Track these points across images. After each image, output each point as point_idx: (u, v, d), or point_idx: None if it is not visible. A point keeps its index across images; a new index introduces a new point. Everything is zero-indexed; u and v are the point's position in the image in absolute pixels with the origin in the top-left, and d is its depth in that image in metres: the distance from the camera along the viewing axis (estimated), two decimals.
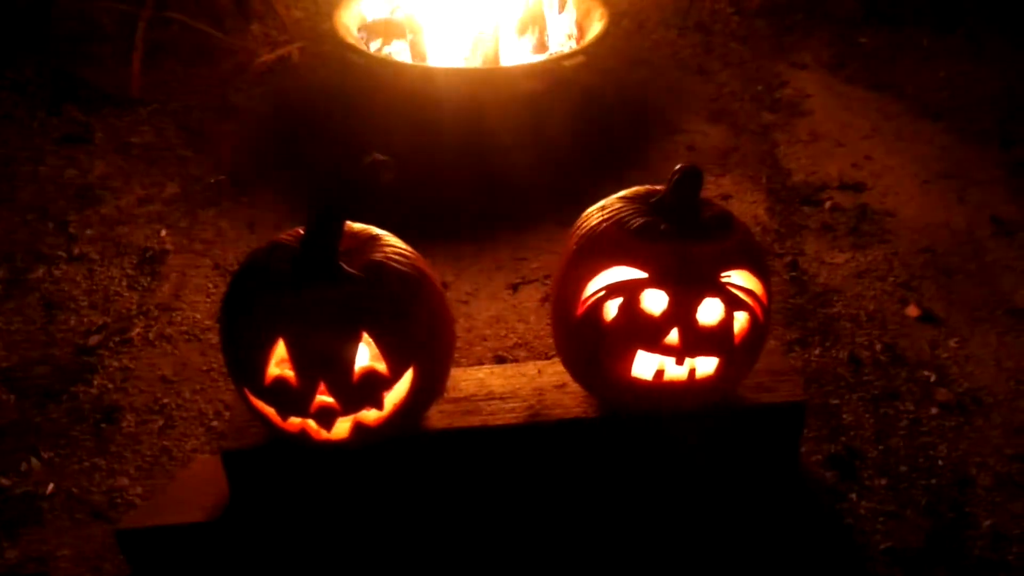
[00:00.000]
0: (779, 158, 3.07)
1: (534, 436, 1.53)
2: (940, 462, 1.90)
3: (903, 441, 1.96)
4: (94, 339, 2.31)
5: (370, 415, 1.44)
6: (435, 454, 1.53)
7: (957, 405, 2.05)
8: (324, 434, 1.44)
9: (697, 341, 1.40)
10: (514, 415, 1.55)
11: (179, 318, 2.42)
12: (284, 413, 1.41)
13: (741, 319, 1.43)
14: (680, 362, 1.42)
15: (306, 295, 1.36)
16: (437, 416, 1.56)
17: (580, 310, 1.43)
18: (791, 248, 2.67)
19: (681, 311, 1.39)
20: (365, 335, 1.37)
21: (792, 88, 3.47)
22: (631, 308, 1.40)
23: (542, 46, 2.78)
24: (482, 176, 2.73)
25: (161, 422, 2.09)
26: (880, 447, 1.96)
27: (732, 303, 1.40)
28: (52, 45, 3.46)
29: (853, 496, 1.82)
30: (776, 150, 3.12)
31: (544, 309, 2.36)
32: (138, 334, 2.34)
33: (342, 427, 1.44)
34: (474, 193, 2.75)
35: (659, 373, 1.44)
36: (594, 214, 1.47)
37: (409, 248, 1.47)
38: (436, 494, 1.58)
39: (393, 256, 1.44)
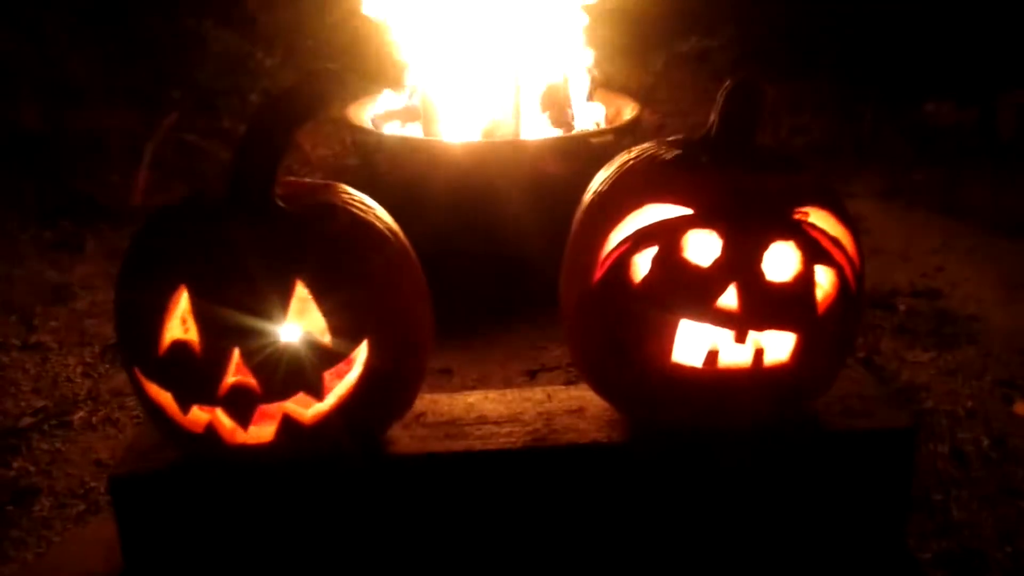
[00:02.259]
0: None
1: (536, 465, 1.10)
2: None
3: None
4: (27, 421, 2.04)
5: (305, 407, 1.02)
6: (400, 485, 1.09)
7: None
8: (240, 435, 1.02)
9: (764, 305, 0.99)
10: (512, 440, 1.12)
11: (131, 403, 2.11)
12: (184, 399, 1.01)
13: (825, 279, 1.02)
14: (741, 337, 1.00)
15: (220, 228, 0.99)
16: (406, 440, 1.13)
17: (599, 273, 1.04)
18: (863, 346, 2.31)
19: (740, 259, 0.99)
20: (300, 286, 0.99)
21: None
22: (670, 259, 1.00)
23: (567, 125, 2.55)
24: (499, 257, 2.39)
25: (83, 507, 1.75)
26: (1007, 548, 1.52)
27: (812, 251, 1.00)
28: (56, 161, 3.35)
29: None
30: None
31: None
32: (80, 418, 2.07)
33: (265, 425, 1.01)
34: (490, 275, 2.41)
35: (712, 356, 1.02)
36: (615, 161, 1.11)
37: (373, 201, 1.12)
38: (399, 539, 1.12)
39: (348, 200, 1.08)
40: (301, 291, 1.01)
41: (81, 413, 2.05)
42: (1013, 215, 3.23)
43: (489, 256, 2.48)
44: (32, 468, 1.85)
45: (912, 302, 2.57)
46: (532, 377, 2.11)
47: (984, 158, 3.78)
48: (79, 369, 2.25)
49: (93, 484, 1.80)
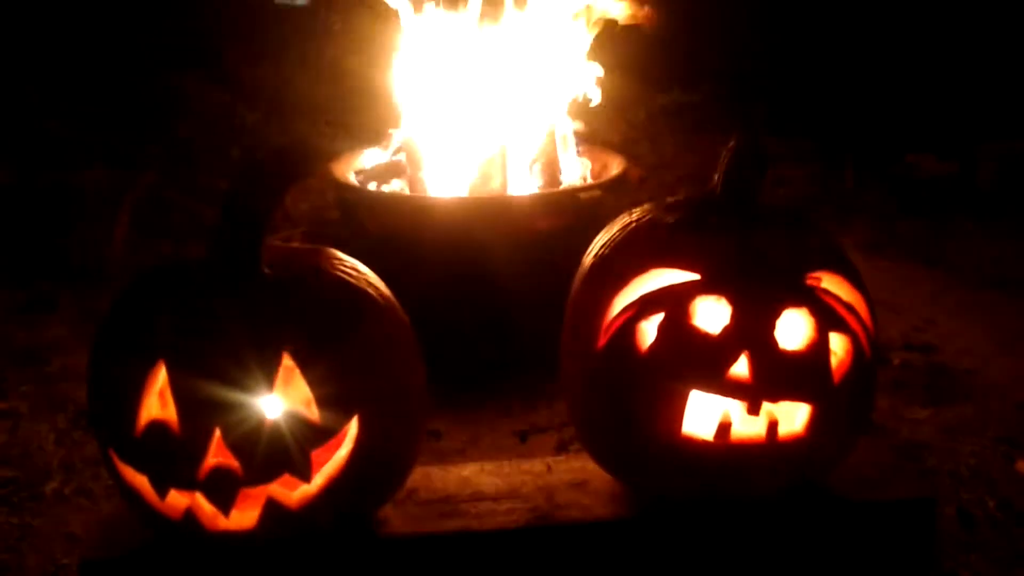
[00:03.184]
0: None
1: (538, 545, 1.03)
2: None
3: None
4: None
5: (291, 489, 0.95)
6: (393, 569, 1.02)
7: None
8: (222, 521, 0.95)
9: (778, 375, 0.94)
10: (512, 518, 1.05)
11: (107, 473, 1.99)
12: (161, 483, 0.94)
13: (840, 346, 0.97)
14: (754, 409, 0.95)
15: (203, 298, 0.93)
16: (399, 520, 1.07)
17: (603, 340, 0.99)
18: None
19: (752, 327, 0.94)
20: (288, 358, 0.93)
21: None
22: (678, 326, 0.96)
23: (554, 180, 2.52)
24: (488, 315, 2.35)
25: None
26: None
27: (826, 318, 0.96)
28: (30, 218, 3.28)
29: None
30: None
31: None
32: (52, 489, 1.95)
33: (248, 510, 0.94)
34: (478, 334, 2.36)
35: (723, 429, 0.97)
36: (617, 222, 1.07)
37: (364, 267, 1.06)
38: None
39: (338, 266, 1.03)
40: (288, 363, 0.95)
41: (53, 483, 1.96)
42: (998, 267, 3.23)
43: (476, 313, 2.44)
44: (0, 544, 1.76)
45: (906, 356, 2.54)
46: (523, 439, 2.06)
47: (966, 209, 3.81)
48: (51, 436, 2.15)
49: (65, 561, 1.70)
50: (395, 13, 2.55)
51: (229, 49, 3.91)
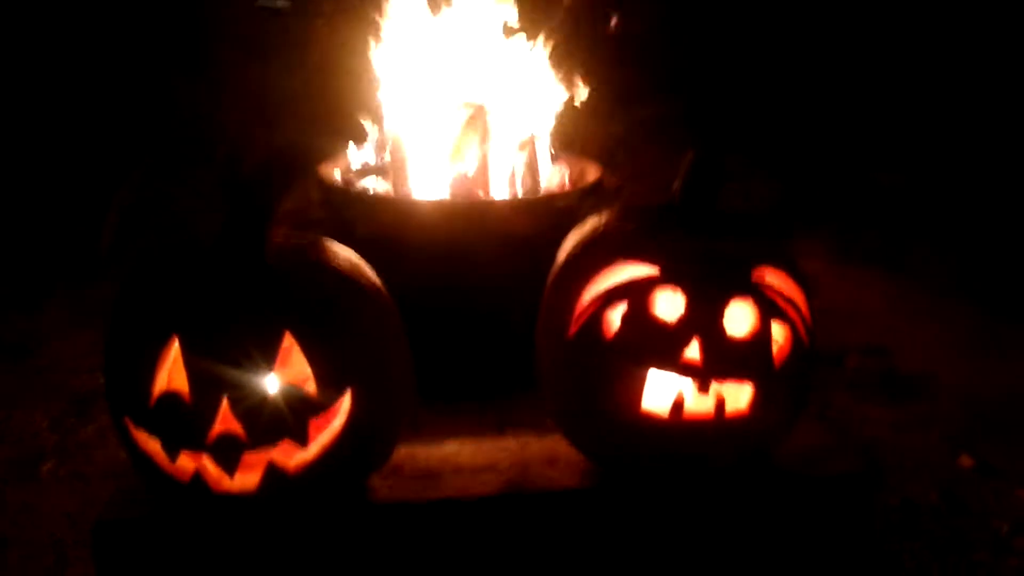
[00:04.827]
0: None
1: (511, 511, 1.14)
2: None
3: None
4: None
5: (290, 456, 1.06)
6: (381, 532, 1.13)
7: None
8: (226, 482, 1.06)
9: (725, 358, 1.07)
10: (488, 488, 1.17)
11: (100, 456, 2.10)
12: (173, 446, 1.04)
13: (780, 334, 1.09)
14: (704, 388, 1.07)
15: (213, 282, 1.04)
16: (385, 488, 1.18)
17: (574, 328, 1.11)
18: (816, 402, 2.39)
19: (703, 316, 1.06)
20: (289, 337, 1.04)
21: None
22: (639, 315, 1.08)
23: (534, 187, 2.61)
24: (468, 314, 2.43)
25: (52, 558, 1.72)
26: None
27: (768, 309, 1.08)
28: (21, 213, 3.34)
29: None
30: None
31: None
32: (48, 470, 2.03)
33: (250, 473, 1.05)
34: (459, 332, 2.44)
35: (677, 406, 1.09)
36: (588, 223, 1.19)
37: (358, 257, 1.17)
38: None
39: (335, 256, 1.14)
40: (288, 342, 1.05)
41: (48, 465, 2.04)
42: (956, 275, 3.35)
43: (457, 311, 2.51)
44: (0, 520, 1.84)
45: (863, 359, 2.65)
46: (501, 432, 2.14)
47: (930, 219, 3.92)
48: (45, 423, 2.23)
49: (62, 536, 1.79)
50: (378, 16, 2.64)
51: (215, 49, 3.98)
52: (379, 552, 1.15)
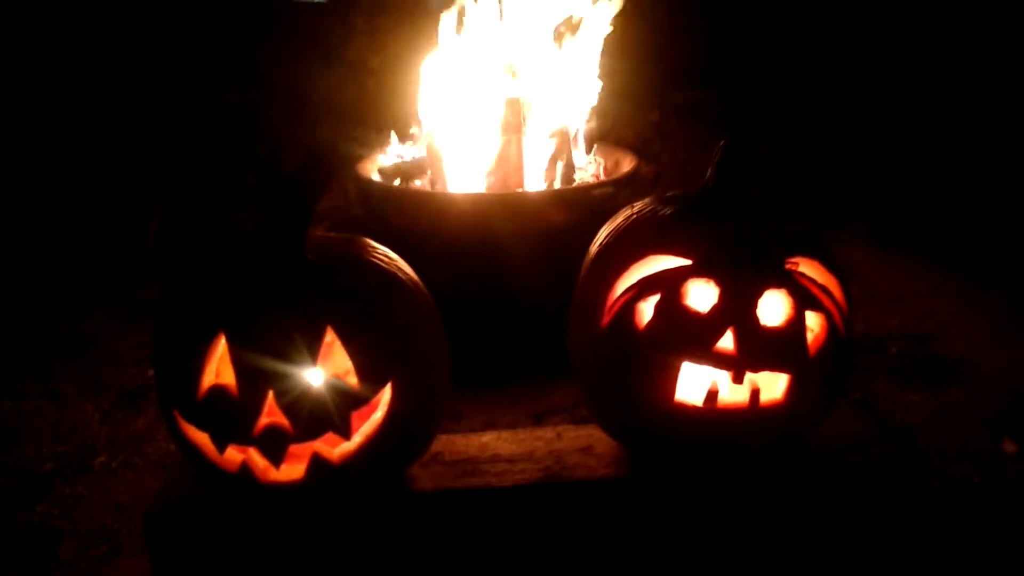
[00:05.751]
0: None
1: (549, 500, 1.17)
2: None
3: None
4: (49, 466, 2.07)
5: (333, 447, 1.09)
6: (421, 520, 1.16)
7: None
8: (272, 473, 1.09)
9: (759, 348, 1.07)
10: (525, 476, 1.19)
11: (150, 449, 2.16)
12: (221, 439, 1.08)
13: (815, 323, 1.10)
14: (739, 378, 1.08)
15: (257, 280, 1.07)
16: (425, 478, 1.21)
17: (606, 319, 1.12)
18: (858, 388, 2.38)
19: (736, 306, 1.07)
20: (331, 332, 1.07)
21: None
22: (672, 306, 1.09)
23: (569, 177, 2.63)
24: (505, 305, 2.46)
25: (106, 549, 1.78)
26: None
27: (803, 298, 1.09)
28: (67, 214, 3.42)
29: None
30: None
31: None
32: (100, 463, 2.10)
33: (296, 464, 1.08)
34: (496, 323, 2.47)
35: (711, 396, 1.10)
36: (620, 215, 1.20)
37: (394, 254, 1.20)
38: (420, 572, 1.18)
39: (373, 253, 1.17)
40: (330, 337, 1.08)
41: (101, 458, 2.10)
42: (999, 260, 3.30)
43: (495, 303, 2.54)
44: (56, 512, 1.89)
45: (904, 345, 2.64)
46: (538, 420, 2.17)
47: (971, 205, 3.86)
48: (96, 416, 2.29)
49: (115, 527, 1.84)
50: (418, 13, 2.67)
51: (254, 50, 4.03)
52: (419, 539, 1.19)
